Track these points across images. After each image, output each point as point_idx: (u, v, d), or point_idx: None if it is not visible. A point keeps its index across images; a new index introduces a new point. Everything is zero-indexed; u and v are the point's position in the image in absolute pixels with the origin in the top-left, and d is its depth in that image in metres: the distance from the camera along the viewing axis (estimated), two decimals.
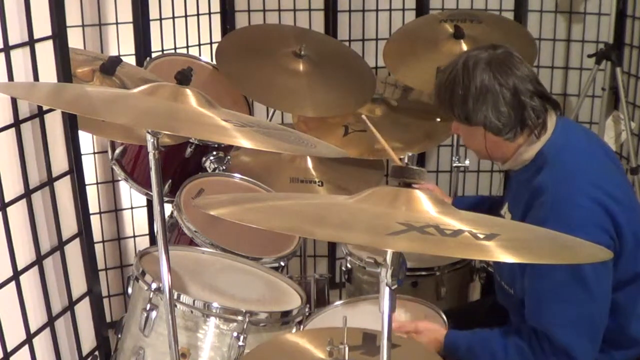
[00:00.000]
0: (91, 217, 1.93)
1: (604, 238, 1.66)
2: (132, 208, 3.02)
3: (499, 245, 1.08)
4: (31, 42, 1.66)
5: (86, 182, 1.95)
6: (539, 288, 1.69)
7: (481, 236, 1.10)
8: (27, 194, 1.69)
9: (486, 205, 2.21)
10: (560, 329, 1.65)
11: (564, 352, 1.65)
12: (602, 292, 1.68)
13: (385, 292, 1.20)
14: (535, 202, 1.73)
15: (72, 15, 2.62)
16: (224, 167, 2.55)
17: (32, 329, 1.73)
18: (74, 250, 1.87)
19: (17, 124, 1.65)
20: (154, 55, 2.83)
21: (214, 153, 2.54)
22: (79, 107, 1.55)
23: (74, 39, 2.60)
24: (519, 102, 1.76)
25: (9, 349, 1.65)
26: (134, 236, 3.06)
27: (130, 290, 1.90)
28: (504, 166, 1.91)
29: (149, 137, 1.53)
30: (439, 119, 2.82)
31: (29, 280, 1.71)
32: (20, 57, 1.64)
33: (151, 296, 1.76)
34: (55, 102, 1.62)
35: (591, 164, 1.78)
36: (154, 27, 2.88)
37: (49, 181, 1.76)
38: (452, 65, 1.84)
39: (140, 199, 3.02)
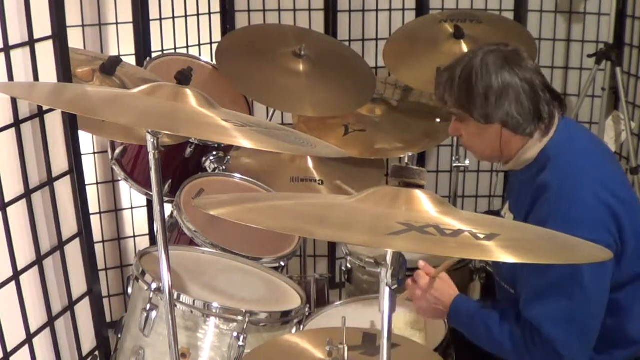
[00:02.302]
0: (91, 217, 1.93)
1: (607, 237, 1.66)
2: (132, 208, 3.02)
3: (499, 245, 1.08)
4: (31, 42, 1.66)
5: (86, 182, 1.95)
6: (536, 283, 1.70)
7: (481, 236, 1.10)
8: (27, 194, 1.69)
9: None
10: (550, 324, 1.65)
11: (551, 347, 1.65)
12: (598, 292, 1.68)
13: (385, 292, 1.20)
14: (539, 200, 1.72)
15: (72, 15, 2.61)
16: (224, 167, 2.55)
17: (32, 329, 1.73)
18: (74, 250, 1.87)
19: (17, 124, 1.65)
20: (154, 55, 2.83)
21: (214, 153, 2.54)
22: (79, 107, 1.55)
23: (74, 39, 2.59)
24: (535, 95, 1.76)
25: (9, 349, 1.65)
26: (134, 236, 3.06)
27: (130, 290, 1.90)
28: (506, 166, 1.89)
29: (149, 137, 1.53)
30: (438, 119, 2.82)
31: (29, 280, 1.71)
32: (20, 57, 1.64)
33: (151, 296, 1.76)
34: (55, 102, 1.62)
35: (595, 163, 1.78)
36: (154, 27, 2.88)
37: (49, 181, 1.76)
38: (461, 64, 1.80)
39: (140, 199, 3.02)
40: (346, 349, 1.55)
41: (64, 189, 1.82)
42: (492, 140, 1.82)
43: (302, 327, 1.91)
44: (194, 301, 1.76)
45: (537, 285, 1.69)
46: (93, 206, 2.82)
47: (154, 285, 1.77)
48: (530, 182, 1.79)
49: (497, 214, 2.11)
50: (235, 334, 1.75)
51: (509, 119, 1.76)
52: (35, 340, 1.74)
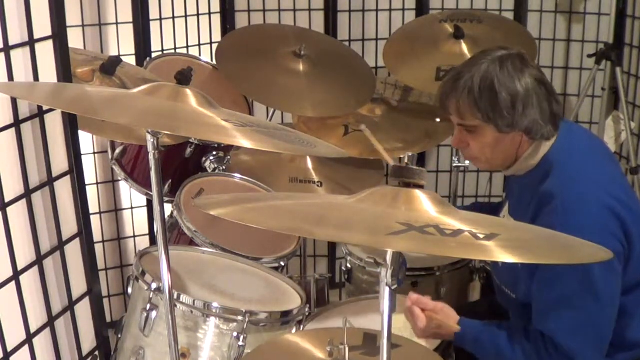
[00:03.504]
0: (91, 217, 1.93)
1: (615, 244, 1.64)
2: (132, 208, 3.02)
3: (499, 245, 1.08)
4: (31, 42, 1.66)
5: (86, 182, 1.95)
6: (549, 295, 1.68)
7: (481, 236, 1.10)
8: (27, 194, 1.69)
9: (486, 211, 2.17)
10: (567, 336, 1.65)
11: (568, 358, 1.65)
12: (611, 302, 1.67)
13: (385, 292, 1.20)
14: (544, 208, 1.70)
15: (72, 15, 2.61)
16: (224, 167, 2.55)
17: (32, 329, 1.73)
18: (74, 250, 1.87)
19: (17, 124, 1.65)
20: (154, 55, 2.83)
21: (214, 153, 2.54)
22: (79, 107, 1.55)
23: (74, 39, 2.59)
24: (549, 95, 1.73)
25: (9, 349, 1.65)
26: (134, 236, 3.06)
27: (130, 290, 1.90)
28: (507, 172, 1.85)
29: (149, 137, 1.53)
30: (438, 119, 2.82)
31: (29, 280, 1.71)
32: (20, 57, 1.64)
33: (151, 296, 1.76)
34: (55, 102, 1.62)
35: (598, 169, 1.77)
36: (154, 27, 2.88)
37: (49, 181, 1.76)
38: (478, 73, 1.72)
39: (140, 199, 3.02)
40: (347, 349, 1.55)
41: (64, 189, 1.82)
42: (507, 149, 1.77)
43: (302, 327, 1.91)
44: (194, 301, 1.76)
45: (550, 297, 1.68)
46: (93, 206, 2.82)
47: (154, 285, 1.77)
48: (532, 189, 1.76)
49: (492, 207, 2.10)
50: (235, 334, 1.75)
51: (534, 125, 1.71)
52: (35, 340, 1.74)
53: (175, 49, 2.98)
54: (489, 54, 1.75)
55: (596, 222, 1.65)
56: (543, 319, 1.69)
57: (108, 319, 2.37)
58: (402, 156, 1.27)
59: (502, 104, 1.70)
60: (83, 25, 2.72)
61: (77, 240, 1.88)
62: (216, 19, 3.13)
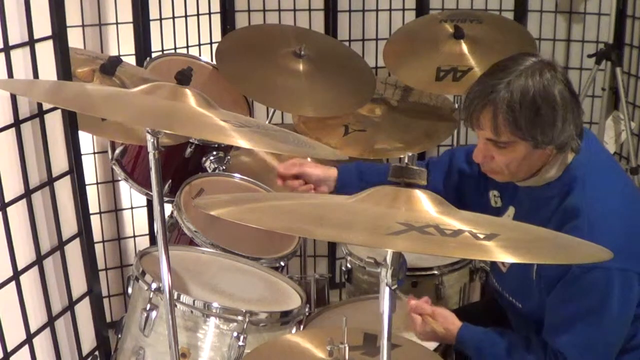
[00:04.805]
0: (91, 217, 1.93)
1: (637, 266, 1.63)
2: (132, 208, 3.02)
3: (499, 245, 1.08)
4: (31, 42, 1.66)
5: (86, 182, 1.95)
6: (566, 309, 1.66)
7: (481, 236, 1.10)
8: (27, 194, 1.69)
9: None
10: (577, 352, 1.64)
11: None
12: (625, 322, 1.67)
13: (385, 292, 1.20)
14: (568, 224, 1.64)
15: (72, 15, 2.61)
16: (224, 167, 2.55)
17: (32, 329, 1.73)
18: (74, 250, 1.87)
19: (17, 123, 1.65)
20: (154, 55, 2.83)
21: (214, 153, 2.54)
22: (79, 104, 1.55)
23: (74, 39, 2.59)
24: (578, 104, 1.64)
25: (9, 349, 1.65)
26: (134, 236, 3.06)
27: (130, 290, 1.90)
28: (524, 183, 1.75)
29: (149, 137, 1.53)
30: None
31: (29, 280, 1.71)
32: (20, 57, 1.64)
33: (151, 296, 1.76)
34: (54, 99, 1.61)
35: (618, 182, 1.73)
36: (154, 27, 2.88)
37: (49, 181, 1.76)
38: (517, 85, 1.59)
39: (140, 199, 3.02)
40: (347, 348, 1.55)
41: (64, 189, 1.82)
42: (535, 162, 1.68)
43: (302, 327, 1.91)
44: (194, 301, 1.76)
45: (567, 312, 1.66)
46: (93, 206, 2.82)
47: (154, 285, 1.77)
48: (553, 202, 1.70)
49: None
50: (235, 334, 1.75)
51: (568, 140, 1.63)
52: (35, 340, 1.74)
53: (175, 49, 2.98)
54: (518, 62, 1.63)
55: (621, 243, 1.57)
56: (555, 332, 1.68)
57: (108, 319, 2.37)
58: (402, 156, 1.27)
59: (544, 121, 1.60)
60: (83, 25, 2.72)
61: (77, 240, 1.88)
62: (216, 19, 3.13)
